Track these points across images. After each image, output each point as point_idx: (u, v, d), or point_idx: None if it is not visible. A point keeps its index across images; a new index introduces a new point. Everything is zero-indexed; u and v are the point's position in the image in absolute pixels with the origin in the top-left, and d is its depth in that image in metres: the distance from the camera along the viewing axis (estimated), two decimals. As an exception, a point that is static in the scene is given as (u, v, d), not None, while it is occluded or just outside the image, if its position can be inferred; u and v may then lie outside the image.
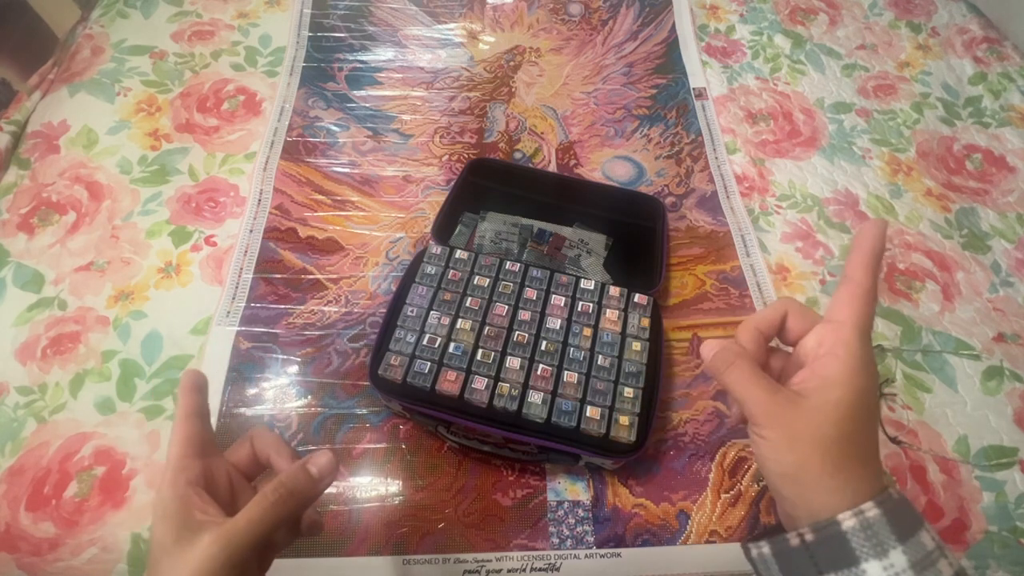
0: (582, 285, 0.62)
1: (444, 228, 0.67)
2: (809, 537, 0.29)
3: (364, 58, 0.89)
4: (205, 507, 0.32)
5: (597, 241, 0.69)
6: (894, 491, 0.29)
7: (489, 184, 0.73)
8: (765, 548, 0.31)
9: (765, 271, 0.69)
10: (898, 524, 0.28)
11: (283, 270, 0.67)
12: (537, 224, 0.70)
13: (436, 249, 0.63)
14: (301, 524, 0.39)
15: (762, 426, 0.31)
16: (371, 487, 0.54)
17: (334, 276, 0.67)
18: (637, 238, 0.70)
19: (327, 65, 0.87)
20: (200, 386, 0.38)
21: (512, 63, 0.91)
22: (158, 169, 0.73)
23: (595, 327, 0.59)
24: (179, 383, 0.38)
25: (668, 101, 0.87)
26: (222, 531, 0.31)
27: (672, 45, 0.94)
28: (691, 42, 0.93)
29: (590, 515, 0.54)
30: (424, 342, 0.57)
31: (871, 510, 0.28)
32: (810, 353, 0.33)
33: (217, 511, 0.33)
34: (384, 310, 0.61)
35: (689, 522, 0.54)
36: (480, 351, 0.57)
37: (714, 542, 0.53)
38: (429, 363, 0.55)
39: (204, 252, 0.67)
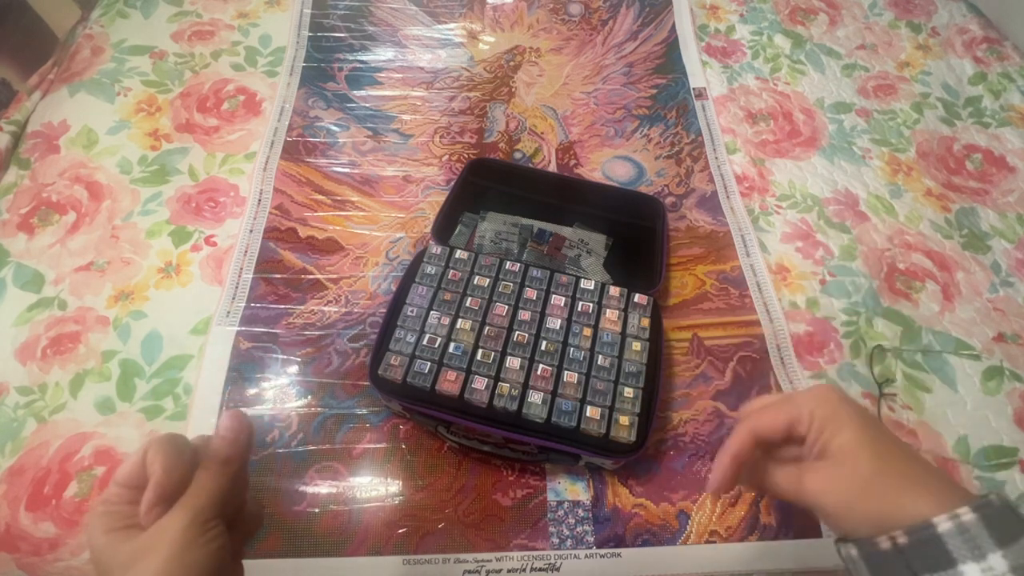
0: (582, 285, 0.62)
1: (444, 228, 0.67)
2: (902, 540, 0.29)
3: (364, 58, 0.89)
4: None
5: (597, 241, 0.69)
6: (996, 498, 0.29)
7: (489, 184, 0.73)
8: (853, 550, 0.31)
9: (765, 271, 0.69)
10: (998, 529, 0.28)
11: (283, 270, 0.67)
12: (537, 224, 0.70)
13: (436, 249, 0.63)
14: (247, 514, 0.38)
15: (808, 490, 0.33)
16: (371, 487, 0.54)
17: (334, 276, 0.67)
18: (637, 238, 0.70)
19: (327, 65, 0.87)
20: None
21: (512, 63, 0.91)
22: (158, 169, 0.73)
23: (595, 327, 0.59)
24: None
25: (668, 101, 0.87)
26: (181, 504, 0.31)
27: (672, 45, 0.94)
28: (691, 42, 0.93)
29: (590, 515, 0.54)
30: (424, 342, 0.57)
31: (967, 514, 0.28)
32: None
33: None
34: (384, 310, 0.61)
35: (689, 522, 0.54)
36: (480, 351, 0.57)
37: (714, 542, 0.53)
38: (429, 363, 0.55)
39: (204, 252, 0.67)
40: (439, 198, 0.73)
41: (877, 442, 0.32)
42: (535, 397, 0.54)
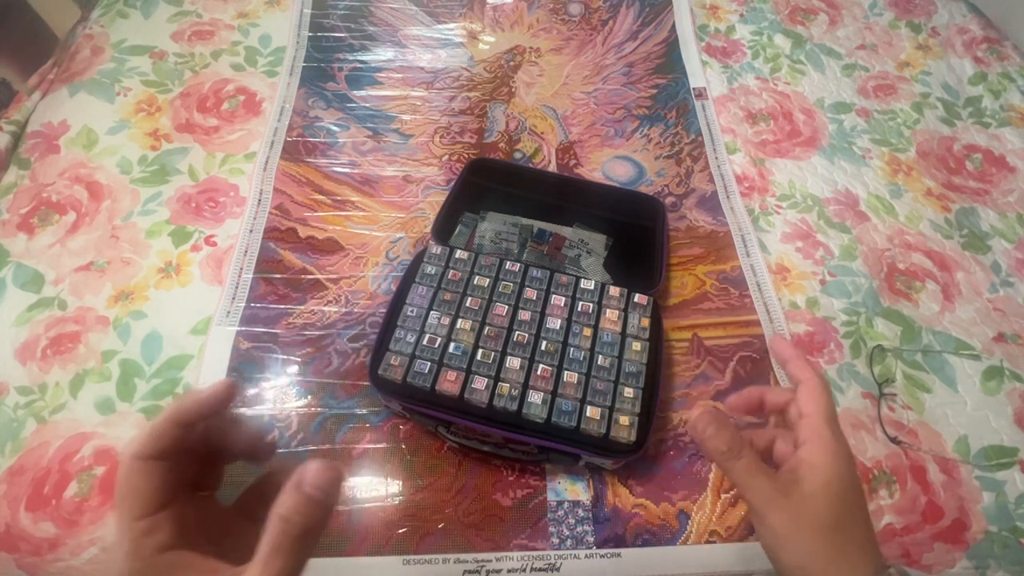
0: (582, 285, 0.62)
1: (444, 228, 0.67)
2: None
3: (364, 58, 0.89)
4: (206, 565, 0.26)
5: (597, 241, 0.69)
6: (895, 570, 0.32)
7: (489, 184, 0.73)
8: None
9: (765, 271, 0.69)
10: None
11: (283, 270, 0.67)
12: (537, 224, 0.70)
13: (436, 249, 0.63)
14: None
15: (765, 514, 0.34)
16: (371, 487, 0.54)
17: (334, 276, 0.67)
18: (637, 238, 0.70)
19: (327, 65, 0.87)
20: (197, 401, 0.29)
21: (512, 63, 0.91)
22: (158, 169, 0.73)
23: (595, 327, 0.59)
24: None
25: (668, 101, 0.87)
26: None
27: (672, 45, 0.94)
28: (691, 42, 0.93)
29: (590, 515, 0.54)
30: (424, 342, 0.57)
31: None
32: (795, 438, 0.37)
33: (218, 563, 0.26)
34: (384, 310, 0.61)
35: (689, 522, 0.54)
36: (480, 351, 0.57)
37: (714, 542, 0.53)
38: (429, 363, 0.55)
39: (204, 252, 0.67)
40: (439, 198, 0.73)
41: (845, 498, 0.34)
42: (535, 397, 0.54)
